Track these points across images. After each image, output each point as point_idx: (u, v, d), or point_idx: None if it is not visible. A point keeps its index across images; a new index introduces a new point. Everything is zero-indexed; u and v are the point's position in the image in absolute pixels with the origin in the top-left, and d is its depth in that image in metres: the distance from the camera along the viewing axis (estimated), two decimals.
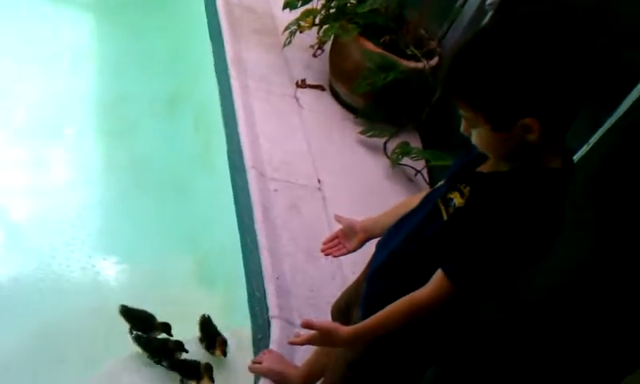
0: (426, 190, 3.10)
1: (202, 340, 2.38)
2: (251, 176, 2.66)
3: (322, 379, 1.81)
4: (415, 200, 1.52)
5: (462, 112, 1.20)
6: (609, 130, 1.99)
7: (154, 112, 3.68)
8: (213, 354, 2.33)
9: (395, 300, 1.35)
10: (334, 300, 2.36)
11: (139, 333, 2.32)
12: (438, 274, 1.27)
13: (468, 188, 1.26)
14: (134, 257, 2.94)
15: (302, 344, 1.49)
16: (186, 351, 2.28)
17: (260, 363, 2.05)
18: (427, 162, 3.17)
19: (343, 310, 1.76)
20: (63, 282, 2.73)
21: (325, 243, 1.77)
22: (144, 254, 2.96)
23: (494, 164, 1.26)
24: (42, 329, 2.46)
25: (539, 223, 1.17)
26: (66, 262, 2.77)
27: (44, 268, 2.74)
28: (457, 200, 1.27)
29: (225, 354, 2.31)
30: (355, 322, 1.58)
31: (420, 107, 3.38)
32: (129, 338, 2.32)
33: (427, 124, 3.45)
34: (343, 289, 2.44)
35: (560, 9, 2.02)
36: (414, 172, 3.20)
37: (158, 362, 2.28)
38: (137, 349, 2.32)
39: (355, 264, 2.59)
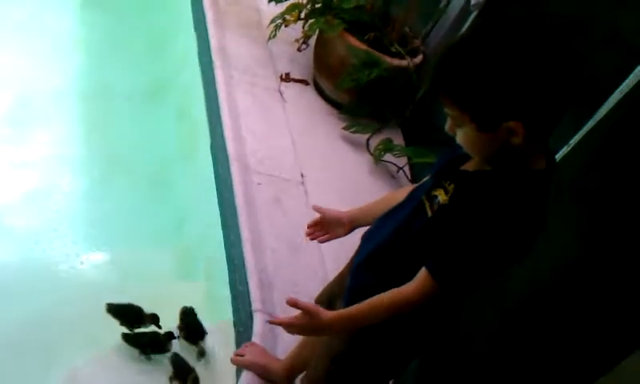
0: (409, 185, 3.16)
1: (180, 329, 2.38)
2: (235, 169, 2.66)
3: (305, 373, 1.82)
4: (402, 193, 1.54)
5: (448, 111, 1.21)
6: (589, 132, 2.03)
7: (136, 101, 3.65)
8: (192, 344, 2.34)
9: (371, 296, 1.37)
10: (316, 294, 2.39)
11: (126, 331, 2.31)
12: (422, 272, 1.28)
13: (452, 186, 1.28)
14: (115, 248, 2.92)
15: (281, 324, 1.49)
16: (176, 338, 2.32)
17: (242, 356, 2.05)
18: (409, 159, 3.20)
19: (325, 305, 1.75)
20: (44, 272, 2.71)
21: (309, 227, 1.79)
22: (125, 246, 2.94)
23: (478, 163, 1.28)
24: (23, 317, 2.44)
25: (521, 222, 1.20)
26: (46, 251, 2.75)
27: (25, 257, 2.72)
28: (441, 197, 1.29)
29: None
30: None
31: (403, 104, 3.40)
32: (112, 329, 2.32)
33: (410, 121, 3.47)
34: (326, 283, 2.48)
35: (544, 14, 2.04)
36: (396, 169, 3.22)
37: (149, 357, 2.29)
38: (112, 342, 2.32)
39: (338, 259, 2.60)
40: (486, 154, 1.23)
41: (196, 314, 2.43)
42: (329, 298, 1.75)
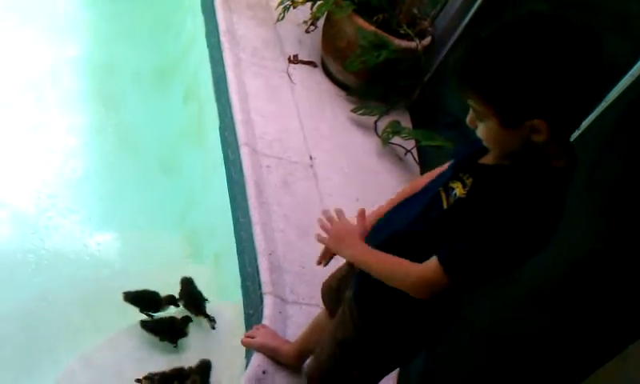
0: (416, 169, 3.16)
1: (181, 296, 2.43)
2: (244, 152, 2.66)
3: (312, 356, 1.84)
4: (415, 186, 1.54)
5: (471, 103, 1.20)
6: (600, 115, 2.03)
7: (142, 83, 3.64)
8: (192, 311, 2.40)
9: (381, 290, 1.39)
10: (325, 277, 2.40)
11: (145, 319, 2.33)
12: (432, 259, 1.28)
13: (470, 179, 1.28)
14: (124, 230, 2.94)
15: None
16: (191, 320, 2.35)
17: (253, 338, 2.08)
18: (417, 141, 3.19)
19: (334, 290, 1.78)
20: (51, 254, 2.71)
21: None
22: (133, 228, 2.96)
23: (496, 158, 1.27)
24: (30, 299, 2.46)
25: (537, 221, 1.19)
26: (53, 234, 2.76)
27: (30, 239, 2.73)
28: (458, 190, 1.28)
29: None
30: (346, 302, 1.62)
31: (411, 86, 3.40)
32: (121, 311, 2.34)
33: (418, 103, 3.47)
34: (334, 266, 2.49)
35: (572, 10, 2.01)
36: (404, 151, 3.22)
37: (173, 343, 2.32)
38: (126, 322, 2.34)
39: None
40: (506, 149, 1.23)
41: (194, 282, 2.48)
42: (338, 285, 1.75)
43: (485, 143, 1.24)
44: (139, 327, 2.31)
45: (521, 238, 1.20)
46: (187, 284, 2.49)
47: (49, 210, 2.84)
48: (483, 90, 1.16)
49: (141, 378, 2.10)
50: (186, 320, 2.35)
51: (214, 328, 2.38)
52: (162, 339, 2.31)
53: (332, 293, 1.79)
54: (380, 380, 1.67)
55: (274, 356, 2.04)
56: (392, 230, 1.45)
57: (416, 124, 3.41)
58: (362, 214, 1.56)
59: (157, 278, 2.62)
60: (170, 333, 2.31)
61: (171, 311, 2.41)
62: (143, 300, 2.36)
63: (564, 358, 1.89)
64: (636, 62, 1.94)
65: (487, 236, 1.20)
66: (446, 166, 1.51)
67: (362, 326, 1.53)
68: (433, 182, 1.45)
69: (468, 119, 1.24)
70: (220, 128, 2.93)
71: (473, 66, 1.17)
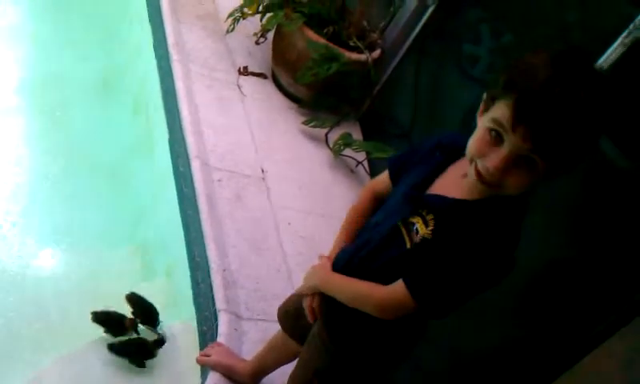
0: (367, 180, 3.18)
1: (135, 315, 2.33)
2: (195, 166, 2.62)
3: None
4: (363, 205, 1.56)
5: (530, 159, 1.11)
6: None
7: (88, 94, 3.55)
8: (152, 330, 2.31)
9: (350, 313, 1.39)
10: (280, 292, 2.40)
11: (112, 342, 2.24)
12: (399, 282, 1.28)
13: (431, 215, 1.26)
14: (70, 246, 2.84)
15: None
16: (164, 342, 2.28)
17: (208, 356, 2.04)
18: (368, 153, 3.22)
19: (291, 315, 1.75)
20: None
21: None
22: (81, 243, 2.87)
23: (456, 184, 1.26)
24: None
25: (503, 251, 1.21)
26: None
27: None
28: (420, 228, 1.26)
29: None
30: (308, 327, 1.60)
31: (362, 98, 3.43)
32: (73, 329, 2.27)
33: (368, 115, 3.50)
34: (289, 281, 2.49)
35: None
36: (355, 163, 3.24)
37: (141, 365, 2.24)
38: (73, 343, 2.26)
39: (300, 254, 2.63)
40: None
41: (142, 296, 2.40)
42: (296, 309, 1.69)
43: (509, 187, 1.16)
44: (88, 347, 2.23)
45: (487, 267, 1.22)
46: (137, 299, 2.40)
47: None
48: (548, 147, 1.09)
49: None
50: (159, 343, 2.26)
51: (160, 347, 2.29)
52: (131, 361, 2.22)
53: (289, 318, 1.77)
54: None
55: (229, 374, 2.00)
56: (355, 264, 1.43)
57: (366, 135, 3.44)
58: (322, 255, 1.57)
59: (107, 294, 2.55)
60: (139, 354, 2.23)
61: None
62: (109, 322, 2.28)
63: (522, 371, 1.93)
64: None
65: (453, 264, 1.21)
66: (382, 177, 1.52)
67: (334, 350, 1.52)
68: (385, 211, 1.43)
69: (502, 165, 1.12)
70: (169, 141, 2.88)
71: (559, 130, 1.07)
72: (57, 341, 2.33)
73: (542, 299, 1.87)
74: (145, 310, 2.37)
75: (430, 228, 1.25)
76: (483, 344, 2.00)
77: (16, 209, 2.84)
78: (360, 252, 1.43)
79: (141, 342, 2.26)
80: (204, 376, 2.03)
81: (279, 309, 1.84)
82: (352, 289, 1.40)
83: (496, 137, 1.14)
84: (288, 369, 1.85)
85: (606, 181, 1.82)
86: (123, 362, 2.22)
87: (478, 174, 1.18)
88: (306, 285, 1.54)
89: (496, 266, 1.21)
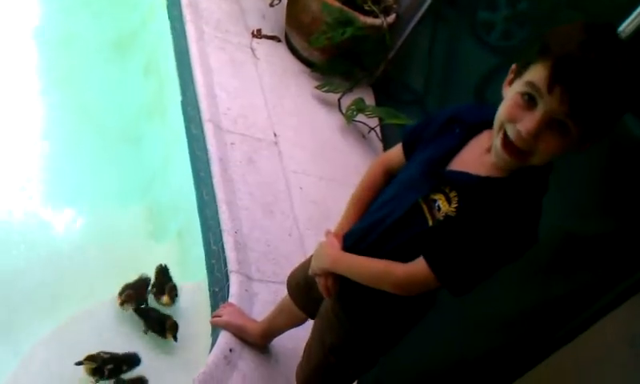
0: (379, 147, 3.18)
1: (153, 285, 2.35)
2: (208, 129, 2.62)
3: (299, 363, 1.76)
4: (374, 178, 1.52)
5: (565, 124, 1.10)
6: None
7: (101, 55, 3.52)
8: (160, 302, 2.31)
9: (364, 289, 1.37)
10: (291, 255, 2.42)
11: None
12: (419, 259, 1.26)
13: (454, 192, 1.23)
14: (84, 206, 2.85)
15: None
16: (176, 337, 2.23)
17: (220, 316, 2.07)
18: (381, 119, 3.21)
19: (302, 286, 1.73)
20: (9, 230, 2.63)
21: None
22: (94, 204, 2.87)
23: (478, 160, 1.24)
24: None
25: (526, 227, 1.20)
26: (12, 209, 2.67)
27: None
28: (443, 205, 1.24)
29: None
30: (319, 299, 1.60)
31: (376, 64, 3.40)
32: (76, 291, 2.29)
33: (381, 81, 3.48)
34: (300, 244, 2.50)
35: None
36: (367, 129, 3.23)
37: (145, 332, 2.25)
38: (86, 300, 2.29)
39: (310, 219, 2.64)
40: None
41: (169, 273, 2.42)
42: (306, 281, 1.67)
43: (540, 153, 1.15)
44: (100, 308, 2.26)
45: (510, 243, 1.20)
46: (162, 274, 2.41)
47: (6, 186, 2.74)
48: (591, 125, 1.10)
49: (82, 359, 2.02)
50: (174, 328, 2.23)
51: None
52: (146, 328, 2.24)
53: (300, 290, 1.75)
54: (372, 368, 1.66)
55: (240, 334, 2.04)
56: (370, 242, 1.40)
57: (379, 101, 3.42)
58: (329, 231, 1.53)
59: (119, 255, 2.58)
60: (157, 326, 2.23)
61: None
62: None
63: (529, 339, 1.94)
64: None
65: (477, 242, 1.20)
66: (394, 152, 1.48)
67: (350, 326, 1.52)
68: (400, 186, 1.40)
69: (536, 127, 1.11)
70: (182, 103, 2.88)
71: (595, 96, 1.07)
72: (71, 298, 2.36)
73: (555, 269, 1.88)
74: (163, 288, 2.36)
75: (454, 205, 1.23)
76: (495, 311, 2.01)
77: (27, 171, 2.84)
78: (373, 231, 1.39)
79: (163, 319, 2.25)
80: (215, 334, 2.06)
81: (289, 279, 1.82)
82: (368, 268, 1.37)
83: (529, 101, 1.13)
84: (297, 332, 1.88)
85: (628, 155, 1.80)
86: (132, 321, 2.26)
87: (505, 143, 1.17)
88: (317, 265, 1.49)
89: (520, 241, 1.20)
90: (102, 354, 2.04)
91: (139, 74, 3.48)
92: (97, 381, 2.02)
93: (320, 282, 1.48)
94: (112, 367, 2.02)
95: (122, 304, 2.24)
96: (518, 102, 1.14)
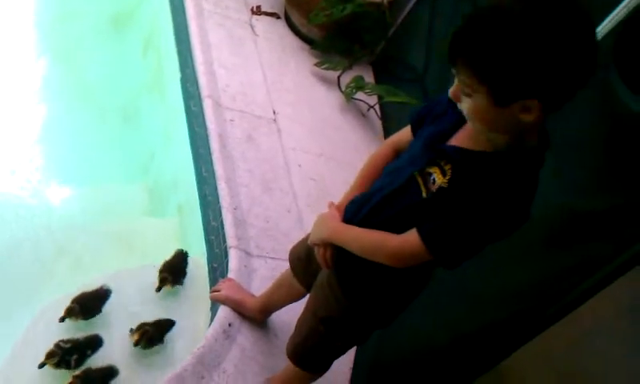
0: (378, 125, 3.18)
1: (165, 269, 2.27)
2: (207, 105, 2.62)
3: (291, 335, 1.78)
4: (378, 158, 1.54)
5: (461, 78, 1.17)
6: None
7: (99, 31, 3.52)
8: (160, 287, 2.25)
9: (360, 262, 1.40)
10: (289, 232, 2.43)
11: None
12: (412, 231, 1.29)
13: (449, 166, 1.25)
14: (84, 182, 2.88)
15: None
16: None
17: (219, 291, 2.09)
18: (380, 97, 3.20)
19: (303, 260, 1.75)
20: (9, 206, 2.65)
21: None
22: (94, 180, 2.90)
23: (474, 137, 1.25)
24: None
25: (518, 204, 1.21)
26: (13, 185, 2.69)
27: None
28: (437, 177, 1.26)
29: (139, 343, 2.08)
30: (317, 272, 1.64)
31: (375, 41, 3.38)
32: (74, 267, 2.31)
33: (381, 59, 3.46)
34: (299, 221, 2.52)
35: None
36: (366, 107, 3.23)
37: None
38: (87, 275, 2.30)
39: (309, 196, 2.65)
40: (492, 127, 1.20)
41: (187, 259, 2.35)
42: (307, 254, 1.71)
43: (468, 118, 1.22)
44: (102, 279, 2.25)
45: (501, 220, 1.22)
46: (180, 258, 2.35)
47: (6, 163, 2.75)
48: (480, 67, 1.13)
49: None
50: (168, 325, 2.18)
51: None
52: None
53: (301, 262, 1.77)
54: (362, 343, 1.69)
55: (239, 309, 2.06)
56: (366, 211, 1.43)
57: (379, 79, 3.41)
58: (331, 203, 1.56)
59: (118, 231, 2.59)
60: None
61: None
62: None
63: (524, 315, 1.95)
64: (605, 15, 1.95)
65: (468, 216, 1.22)
66: (404, 132, 1.50)
67: (344, 300, 1.53)
68: (402, 160, 1.43)
69: (451, 92, 1.21)
70: (181, 79, 2.86)
71: (472, 41, 1.13)
72: (71, 273, 2.38)
73: (550, 244, 1.89)
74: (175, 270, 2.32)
75: (447, 177, 1.25)
76: (493, 286, 2.03)
77: (26, 148, 2.86)
78: (371, 200, 1.42)
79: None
80: (214, 309, 2.08)
81: (291, 253, 1.84)
82: (364, 239, 1.40)
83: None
84: (295, 306, 1.90)
85: (620, 125, 1.80)
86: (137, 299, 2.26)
87: None
88: (317, 235, 1.52)
89: (510, 217, 1.21)
90: (60, 343, 1.96)
91: (138, 51, 3.47)
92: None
93: (319, 253, 1.50)
94: (77, 356, 1.96)
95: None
96: None
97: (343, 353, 1.73)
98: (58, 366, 1.94)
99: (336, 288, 1.55)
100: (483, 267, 1.70)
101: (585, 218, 1.81)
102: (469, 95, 1.18)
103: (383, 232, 1.35)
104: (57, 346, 1.95)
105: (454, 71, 1.18)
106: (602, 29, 1.84)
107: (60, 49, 3.34)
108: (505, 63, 1.10)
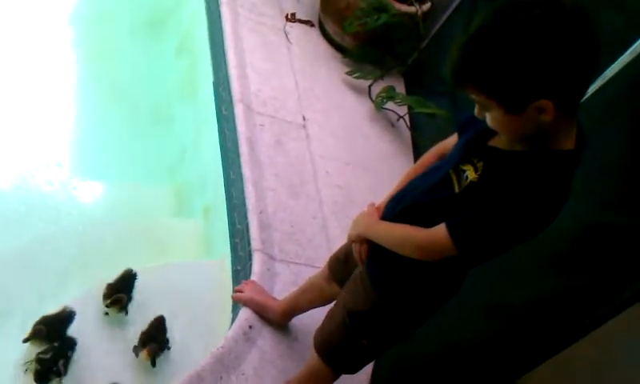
0: (407, 135, 3.17)
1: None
2: (239, 109, 2.64)
3: (320, 324, 1.77)
4: (424, 163, 1.57)
5: (474, 97, 1.21)
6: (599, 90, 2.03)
7: (135, 32, 3.58)
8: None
9: (392, 254, 1.42)
10: (314, 238, 2.44)
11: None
12: (441, 225, 1.30)
13: (481, 163, 1.29)
14: (113, 180, 2.92)
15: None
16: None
17: (241, 292, 2.09)
18: (410, 108, 3.19)
19: (341, 261, 1.79)
20: (40, 201, 2.69)
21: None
22: (123, 179, 2.94)
23: (507, 141, 1.27)
24: (19, 245, 2.43)
25: (546, 203, 1.21)
26: (43, 181, 2.73)
27: (21, 186, 2.70)
28: (470, 174, 1.30)
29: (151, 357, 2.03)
30: (354, 272, 1.65)
31: (408, 52, 3.38)
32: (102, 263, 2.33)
33: (413, 70, 3.45)
34: (324, 228, 2.52)
35: None
36: (396, 117, 3.22)
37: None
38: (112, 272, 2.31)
39: (335, 203, 2.65)
40: (517, 134, 1.23)
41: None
42: (345, 255, 1.76)
43: (496, 130, 1.25)
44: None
45: (528, 218, 1.22)
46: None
47: (37, 160, 2.80)
48: (482, 85, 1.17)
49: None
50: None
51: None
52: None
53: (339, 263, 1.81)
54: (386, 350, 1.67)
55: (260, 311, 2.06)
56: (402, 206, 1.47)
57: (410, 90, 3.40)
58: (372, 203, 1.60)
59: (145, 229, 2.62)
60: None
61: None
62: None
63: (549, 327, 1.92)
64: (636, 38, 1.94)
65: (495, 212, 1.23)
66: (450, 140, 1.53)
67: (374, 296, 1.55)
68: (441, 163, 1.46)
69: (476, 112, 1.25)
70: (214, 83, 2.90)
71: (469, 62, 1.17)
72: (96, 269, 2.40)
73: (578, 256, 1.86)
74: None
75: (479, 173, 1.28)
76: (514, 298, 2.00)
77: (58, 145, 2.91)
78: (406, 196, 1.47)
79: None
80: (235, 311, 2.08)
81: (331, 257, 1.87)
82: (393, 231, 1.45)
83: None
84: (317, 311, 1.89)
85: None
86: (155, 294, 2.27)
87: None
88: (353, 231, 1.59)
89: (537, 215, 1.22)
90: (40, 357, 1.90)
91: (172, 53, 3.52)
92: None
93: (355, 248, 1.57)
94: (63, 361, 1.93)
95: None
96: None
97: (369, 354, 1.70)
98: (48, 381, 1.90)
99: (366, 281, 1.57)
100: (507, 279, 1.68)
101: (612, 234, 1.78)
102: (487, 111, 1.23)
103: (413, 226, 1.39)
104: (38, 360, 1.89)
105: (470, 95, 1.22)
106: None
107: (95, 48, 3.40)
108: (504, 73, 1.13)
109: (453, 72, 1.20)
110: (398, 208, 1.48)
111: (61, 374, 1.93)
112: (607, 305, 1.65)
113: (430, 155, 1.59)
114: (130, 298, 2.18)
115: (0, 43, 3.15)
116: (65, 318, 2.07)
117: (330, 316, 1.71)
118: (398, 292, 1.53)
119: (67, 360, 1.97)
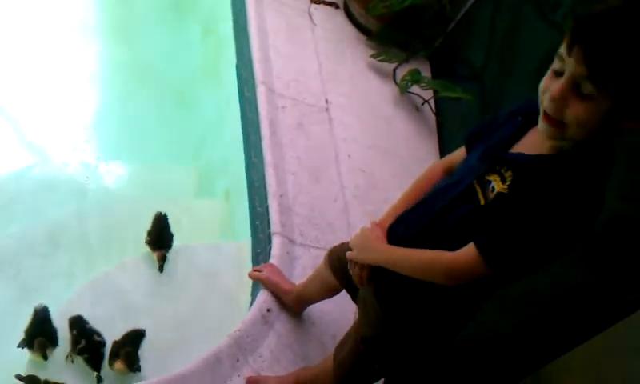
0: (432, 120, 3.12)
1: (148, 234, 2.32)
2: (260, 92, 2.62)
3: (340, 340, 1.73)
4: (430, 177, 1.50)
5: (586, 86, 1.07)
6: None
7: (160, 14, 3.58)
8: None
9: (402, 282, 1.34)
10: (335, 222, 2.42)
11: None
12: (469, 245, 1.21)
13: (510, 172, 1.20)
14: (135, 161, 2.94)
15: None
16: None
17: (260, 272, 2.09)
18: (435, 92, 3.14)
19: (343, 263, 1.64)
20: (65, 182, 2.73)
21: None
22: (145, 160, 2.96)
23: (539, 144, 1.19)
24: (45, 226, 2.46)
25: (583, 213, 1.14)
26: (67, 164, 2.77)
27: (47, 167, 2.74)
28: (496, 184, 1.21)
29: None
30: (368, 299, 1.55)
31: (434, 35, 3.32)
32: (132, 239, 2.35)
33: (439, 54, 3.40)
34: (344, 212, 2.50)
35: None
36: (421, 101, 3.17)
37: None
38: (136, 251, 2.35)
39: (357, 187, 2.63)
40: (586, 135, 1.12)
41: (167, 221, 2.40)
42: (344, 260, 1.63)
43: (570, 122, 1.11)
44: (147, 258, 2.31)
45: (564, 231, 1.15)
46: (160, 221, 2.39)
47: (63, 141, 2.84)
48: (621, 85, 1.04)
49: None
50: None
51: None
52: None
53: (341, 264, 1.69)
54: (400, 373, 1.64)
55: (277, 293, 2.05)
56: (417, 229, 1.37)
57: (436, 74, 3.34)
58: (374, 222, 1.50)
59: (166, 209, 2.62)
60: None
61: None
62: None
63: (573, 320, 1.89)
64: None
65: (529, 227, 1.15)
66: (457, 154, 1.46)
67: (386, 321, 1.48)
68: (456, 175, 1.37)
69: (558, 91, 1.10)
70: (237, 65, 2.89)
71: (615, 53, 1.03)
72: (118, 248, 2.43)
73: (603, 247, 1.81)
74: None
75: (508, 183, 1.19)
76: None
77: (83, 126, 2.94)
78: (425, 215, 1.36)
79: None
80: (254, 294, 2.09)
81: (331, 251, 1.80)
82: (414, 258, 1.32)
83: (559, 72, 1.12)
84: (337, 297, 1.88)
85: None
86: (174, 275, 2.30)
87: (543, 113, 1.15)
88: (362, 256, 1.45)
89: (573, 225, 1.14)
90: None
91: (197, 35, 3.52)
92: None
93: (355, 271, 1.46)
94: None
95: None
96: (551, 75, 1.14)
97: (382, 377, 1.68)
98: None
99: (375, 305, 1.48)
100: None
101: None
102: (583, 99, 1.09)
103: (436, 250, 1.28)
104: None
105: (564, 62, 1.10)
106: None
107: (120, 31, 3.42)
108: (628, 78, 1.03)
109: (596, 55, 1.04)
110: (413, 231, 1.37)
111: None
112: (634, 293, 1.61)
113: (435, 171, 1.50)
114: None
115: (29, 27, 3.18)
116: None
117: (345, 339, 1.68)
118: (409, 316, 1.44)
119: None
